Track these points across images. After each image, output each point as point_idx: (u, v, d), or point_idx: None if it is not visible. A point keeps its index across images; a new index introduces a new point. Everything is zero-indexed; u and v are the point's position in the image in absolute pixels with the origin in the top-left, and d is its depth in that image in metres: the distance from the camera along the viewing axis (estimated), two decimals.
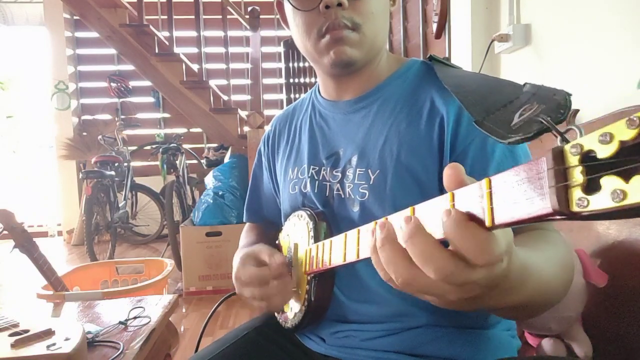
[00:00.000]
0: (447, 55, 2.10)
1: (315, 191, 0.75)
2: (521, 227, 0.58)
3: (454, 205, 0.33)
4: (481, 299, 0.38)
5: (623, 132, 0.22)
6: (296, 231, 0.74)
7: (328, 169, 0.74)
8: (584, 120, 1.09)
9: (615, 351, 0.84)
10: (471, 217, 0.32)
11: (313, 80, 3.85)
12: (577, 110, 1.18)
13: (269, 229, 0.93)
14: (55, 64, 4.67)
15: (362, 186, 0.68)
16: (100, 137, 4.01)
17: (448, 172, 0.35)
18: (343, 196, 0.71)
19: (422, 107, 0.68)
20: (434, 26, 2.20)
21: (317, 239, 0.67)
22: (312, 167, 0.77)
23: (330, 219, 0.71)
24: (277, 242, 0.83)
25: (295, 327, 0.72)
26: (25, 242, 1.41)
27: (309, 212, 0.71)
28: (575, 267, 0.83)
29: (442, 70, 0.67)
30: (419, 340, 0.66)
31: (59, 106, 4.68)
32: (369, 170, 0.68)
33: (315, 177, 0.76)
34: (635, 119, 0.22)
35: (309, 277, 0.67)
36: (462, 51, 1.96)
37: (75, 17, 4.68)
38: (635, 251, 0.80)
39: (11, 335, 0.84)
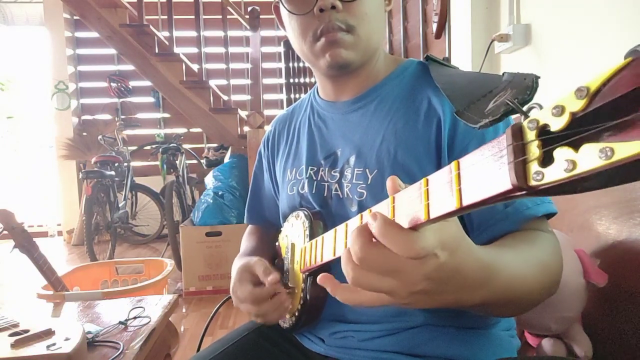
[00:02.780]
0: (447, 55, 2.10)
1: (314, 192, 0.75)
2: (514, 227, 0.59)
3: (427, 190, 0.34)
4: (435, 294, 0.41)
5: (573, 103, 0.23)
6: (293, 231, 0.74)
7: (326, 169, 0.74)
8: None
9: (615, 351, 0.84)
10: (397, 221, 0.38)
11: (313, 80, 3.85)
12: None
13: (269, 231, 0.93)
14: (55, 64, 4.67)
15: (360, 186, 0.68)
16: (100, 137, 4.02)
17: (388, 184, 0.40)
18: (341, 196, 0.71)
19: (419, 107, 0.68)
20: (434, 26, 2.20)
21: (312, 238, 0.67)
22: (310, 167, 0.77)
23: (328, 219, 0.71)
24: (276, 243, 0.83)
25: (292, 327, 0.72)
26: (25, 242, 1.41)
27: (305, 212, 0.71)
28: (574, 267, 0.84)
29: (436, 70, 0.67)
30: (418, 340, 0.66)
31: (59, 106, 4.68)
32: (367, 170, 0.68)
33: (314, 178, 0.76)
34: (583, 88, 0.22)
35: (304, 276, 0.68)
36: (462, 51, 1.96)
37: (75, 17, 4.68)
38: (635, 251, 0.80)
39: (11, 335, 0.84)
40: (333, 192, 0.72)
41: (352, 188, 0.69)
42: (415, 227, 0.36)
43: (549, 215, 0.62)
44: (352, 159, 0.71)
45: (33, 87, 5.62)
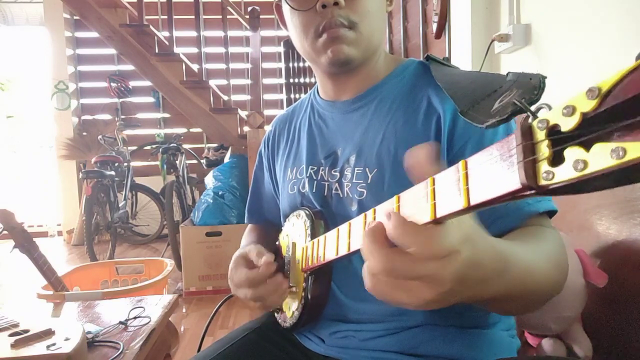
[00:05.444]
0: (447, 55, 2.10)
1: (314, 191, 0.75)
2: (516, 224, 0.59)
3: (434, 189, 0.34)
4: (458, 292, 0.38)
5: (584, 104, 0.23)
6: (294, 230, 0.74)
7: (326, 168, 0.74)
8: None
9: (615, 351, 0.84)
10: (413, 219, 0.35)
11: (313, 80, 3.84)
12: None
13: (270, 230, 0.93)
14: (55, 64, 4.67)
15: (360, 185, 0.68)
16: (100, 137, 4.01)
17: (421, 152, 0.37)
18: (341, 195, 0.71)
19: (419, 106, 0.68)
20: (434, 26, 2.20)
21: (314, 237, 0.67)
22: (310, 167, 0.77)
23: (329, 218, 0.71)
24: (277, 242, 0.83)
25: (293, 326, 0.72)
26: (25, 242, 1.41)
27: (306, 212, 0.71)
28: (574, 267, 0.84)
29: (437, 69, 0.68)
30: (418, 339, 0.66)
31: (59, 106, 4.68)
32: (367, 169, 0.68)
33: (314, 177, 0.76)
34: (594, 89, 0.22)
35: (305, 275, 0.68)
36: (462, 51, 1.96)
37: (75, 17, 4.68)
38: (635, 251, 0.80)
39: (11, 335, 0.84)
40: (333, 192, 0.72)
41: (352, 187, 0.69)
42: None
43: (551, 214, 0.62)
44: (352, 159, 0.71)
45: (33, 87, 5.62)
